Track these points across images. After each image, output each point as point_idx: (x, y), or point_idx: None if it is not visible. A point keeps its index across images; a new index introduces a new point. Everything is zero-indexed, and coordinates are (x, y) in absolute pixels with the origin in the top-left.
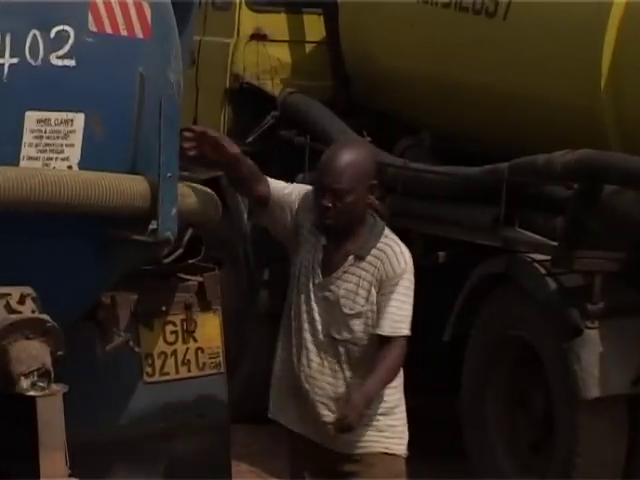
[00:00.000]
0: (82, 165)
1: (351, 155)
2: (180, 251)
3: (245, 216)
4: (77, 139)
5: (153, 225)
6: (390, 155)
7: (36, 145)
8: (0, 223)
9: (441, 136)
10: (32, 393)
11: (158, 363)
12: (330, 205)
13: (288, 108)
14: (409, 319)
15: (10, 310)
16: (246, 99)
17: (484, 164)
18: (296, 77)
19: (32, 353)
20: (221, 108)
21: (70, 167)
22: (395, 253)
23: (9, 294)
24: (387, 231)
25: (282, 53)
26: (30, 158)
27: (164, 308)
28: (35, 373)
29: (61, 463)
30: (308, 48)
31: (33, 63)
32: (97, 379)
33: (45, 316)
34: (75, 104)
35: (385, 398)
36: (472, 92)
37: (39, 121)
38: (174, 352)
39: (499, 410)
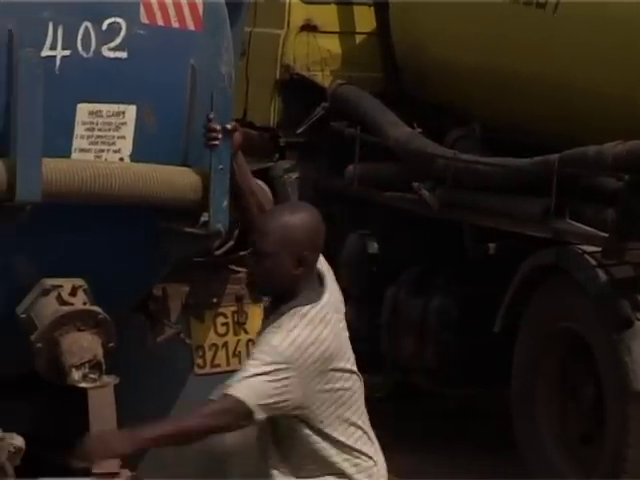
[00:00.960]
0: (134, 157)
1: (284, 220)
2: (231, 243)
3: None
4: (129, 131)
5: (204, 217)
6: (440, 146)
7: (88, 137)
8: (52, 215)
9: (491, 127)
10: (83, 385)
11: (209, 355)
12: (252, 267)
13: (338, 99)
14: (246, 386)
15: (62, 302)
16: (296, 90)
17: (534, 155)
18: (346, 68)
19: (84, 345)
20: (271, 99)
21: (122, 159)
22: (279, 330)
23: (61, 286)
24: (307, 316)
25: (332, 44)
26: (82, 150)
27: (215, 300)
28: (87, 365)
29: None
30: (358, 39)
31: (85, 55)
32: (148, 371)
33: (97, 308)
34: (127, 96)
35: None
36: (523, 83)
37: (91, 113)
38: (225, 344)
39: (549, 401)
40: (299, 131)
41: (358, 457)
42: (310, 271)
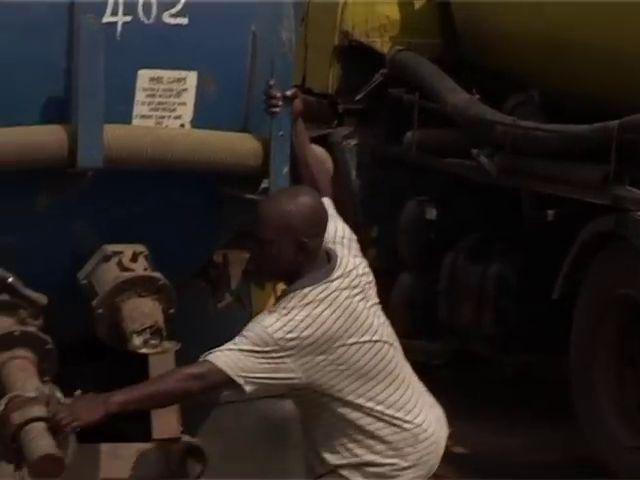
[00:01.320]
0: (194, 123)
1: (282, 207)
2: None
3: (354, 174)
4: (189, 97)
5: (265, 184)
6: (499, 113)
7: (149, 103)
8: (113, 182)
9: (551, 93)
10: (144, 350)
11: None
12: (253, 253)
13: (397, 66)
14: (228, 356)
15: (123, 268)
16: (355, 57)
17: (594, 122)
18: (405, 35)
19: (144, 311)
20: (330, 66)
21: (182, 125)
22: (276, 312)
23: (122, 252)
24: (307, 297)
25: (391, 11)
26: (143, 116)
27: None
28: (147, 331)
29: (173, 421)
30: (417, 5)
31: (146, 22)
32: (208, 337)
33: (157, 274)
34: (187, 62)
35: (344, 453)
36: (582, 49)
37: (152, 79)
38: None
39: (608, 368)
40: (358, 98)
41: (396, 423)
42: (312, 256)
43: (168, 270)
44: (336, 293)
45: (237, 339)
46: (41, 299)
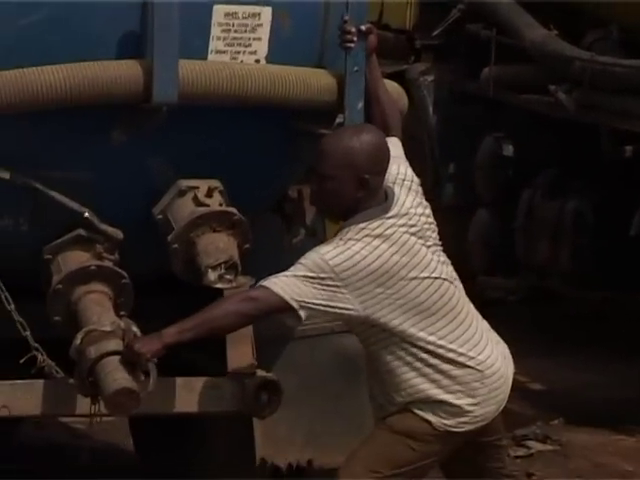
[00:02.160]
0: (269, 59)
1: (345, 142)
2: None
3: (430, 110)
4: (264, 33)
5: (339, 119)
6: (577, 48)
7: (224, 39)
8: (188, 117)
9: (629, 29)
10: (219, 285)
11: None
12: (313, 188)
13: (474, 1)
14: (284, 281)
15: (198, 203)
16: None
17: None
18: None
19: (219, 246)
20: (407, 2)
21: (257, 61)
22: (333, 242)
23: (197, 187)
24: (364, 230)
25: None
26: (218, 52)
27: None
28: (222, 266)
29: (248, 355)
30: None
31: None
32: (283, 272)
33: (232, 209)
34: None
35: (410, 390)
36: None
37: (227, 14)
38: None
39: None
40: (435, 33)
41: (460, 359)
42: (372, 193)
43: (243, 205)
44: (393, 229)
45: (293, 267)
46: (117, 234)
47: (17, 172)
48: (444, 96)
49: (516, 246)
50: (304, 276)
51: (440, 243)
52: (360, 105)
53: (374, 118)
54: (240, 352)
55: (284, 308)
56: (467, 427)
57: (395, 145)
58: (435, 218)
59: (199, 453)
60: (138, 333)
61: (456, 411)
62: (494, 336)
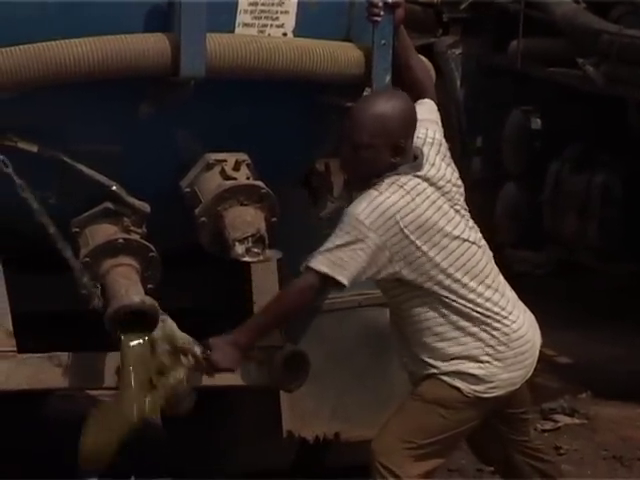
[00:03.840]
0: (296, 32)
1: (378, 109)
2: None
3: (458, 83)
4: (292, 6)
5: (367, 92)
6: (605, 21)
7: (251, 12)
8: (215, 90)
9: None
10: (247, 259)
11: None
12: (345, 157)
13: None
14: (328, 258)
15: (225, 176)
16: None
17: None
18: None
19: (247, 219)
20: None
21: (285, 34)
22: (364, 197)
23: (224, 160)
24: (397, 183)
25: None
26: (245, 25)
27: None
28: (250, 239)
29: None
30: None
31: None
32: (310, 246)
33: (260, 182)
34: None
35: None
36: None
37: None
38: None
39: None
40: (463, 6)
41: (488, 321)
42: (406, 156)
43: (270, 179)
44: (423, 185)
45: (332, 236)
46: (144, 207)
47: (45, 145)
48: (472, 69)
49: (544, 219)
50: (344, 244)
51: (468, 209)
52: (388, 78)
53: (407, 85)
54: None
55: (335, 285)
56: (496, 392)
57: (430, 109)
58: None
59: (226, 426)
60: (199, 352)
61: (484, 375)
62: (522, 305)
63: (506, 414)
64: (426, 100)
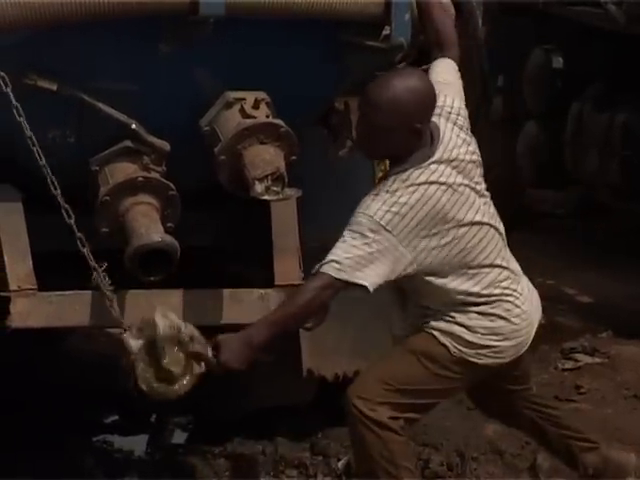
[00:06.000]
0: None
1: (396, 92)
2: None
3: (479, 22)
4: None
5: (386, 31)
6: None
7: None
8: (235, 29)
9: None
10: (266, 197)
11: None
12: (361, 134)
13: None
14: (342, 258)
15: (245, 115)
16: None
17: None
18: None
19: (266, 158)
20: None
21: None
22: (377, 197)
23: (244, 99)
24: (408, 180)
25: None
26: None
27: None
28: (269, 177)
29: (295, 266)
30: None
31: None
32: (330, 184)
33: (279, 121)
34: None
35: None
36: None
37: None
38: None
39: None
40: None
41: (490, 299)
42: (422, 137)
43: (289, 117)
44: (437, 174)
45: (348, 233)
46: (164, 146)
47: (64, 84)
48: (493, 8)
49: (565, 159)
50: (360, 245)
51: (483, 180)
52: (407, 17)
53: (427, 35)
54: (287, 264)
55: (352, 286)
56: (485, 360)
57: (448, 69)
58: (484, 131)
59: None
60: (200, 338)
61: (475, 341)
62: (525, 280)
63: (508, 390)
64: (446, 59)
